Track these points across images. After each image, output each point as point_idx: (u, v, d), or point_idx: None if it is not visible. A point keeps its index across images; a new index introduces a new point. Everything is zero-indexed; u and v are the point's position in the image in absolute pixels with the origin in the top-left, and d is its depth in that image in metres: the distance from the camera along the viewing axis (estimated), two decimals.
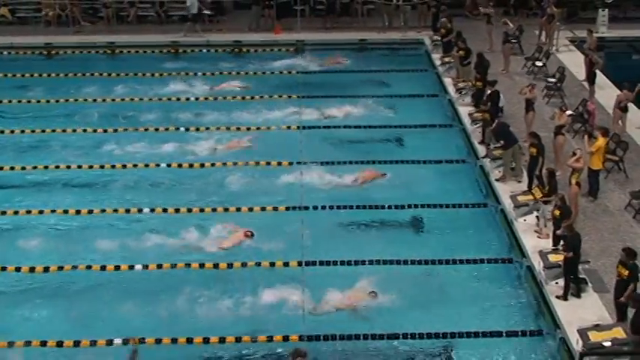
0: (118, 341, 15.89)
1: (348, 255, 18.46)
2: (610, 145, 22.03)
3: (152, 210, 20.56)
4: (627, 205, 19.81)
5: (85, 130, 24.98)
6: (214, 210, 20.55)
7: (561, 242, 17.07)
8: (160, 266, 18.32)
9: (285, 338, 15.90)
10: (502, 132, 21.31)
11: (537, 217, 19.14)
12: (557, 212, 17.52)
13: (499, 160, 21.68)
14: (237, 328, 16.29)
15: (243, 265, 18.36)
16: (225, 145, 24.02)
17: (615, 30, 32.99)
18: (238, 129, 24.96)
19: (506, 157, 21.18)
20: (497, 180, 21.08)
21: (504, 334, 16.05)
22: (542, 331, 16.16)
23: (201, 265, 18.36)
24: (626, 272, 15.23)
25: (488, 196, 21.22)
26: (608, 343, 14.39)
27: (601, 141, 19.79)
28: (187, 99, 27.47)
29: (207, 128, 25.05)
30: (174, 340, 15.99)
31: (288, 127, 25.13)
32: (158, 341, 15.93)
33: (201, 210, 20.55)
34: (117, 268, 18.29)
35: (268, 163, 22.76)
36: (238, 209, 20.54)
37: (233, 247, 18.98)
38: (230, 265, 18.33)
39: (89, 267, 18.28)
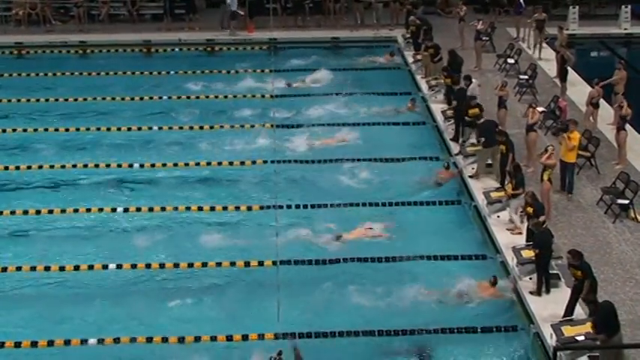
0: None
1: None
2: (582, 142, 22.21)
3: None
4: (599, 201, 19.96)
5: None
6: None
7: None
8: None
9: None
10: (487, 130, 21.35)
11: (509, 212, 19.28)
12: (529, 209, 17.63)
13: (472, 156, 21.80)
14: None
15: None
16: (321, 141, 23.98)
17: (586, 27, 33.28)
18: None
19: (482, 155, 21.26)
20: (470, 177, 21.17)
21: (479, 330, 16.11)
22: (516, 327, 16.22)
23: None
24: (579, 273, 15.36)
25: (462, 193, 21.29)
26: (581, 338, 14.45)
27: (577, 134, 19.90)
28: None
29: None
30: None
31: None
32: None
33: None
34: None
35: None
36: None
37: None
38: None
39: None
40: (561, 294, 16.43)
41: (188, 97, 27.34)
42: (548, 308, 16.02)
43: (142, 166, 22.74)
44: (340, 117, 25.77)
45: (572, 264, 15.46)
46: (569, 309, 15.50)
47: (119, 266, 18.24)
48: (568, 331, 14.72)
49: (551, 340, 14.83)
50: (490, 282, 16.91)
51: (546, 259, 16.47)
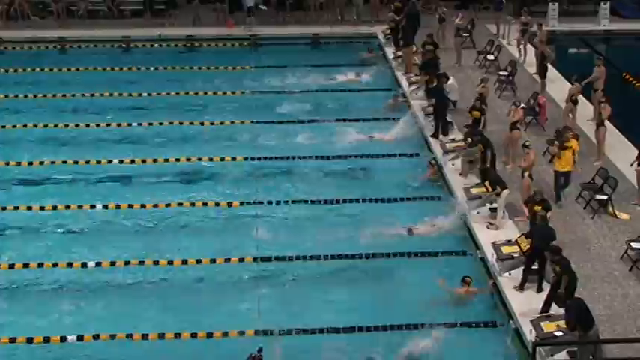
0: None
1: None
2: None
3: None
4: (578, 197, 20.06)
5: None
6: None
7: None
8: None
9: None
10: (473, 131, 21.49)
11: (491, 209, 19.33)
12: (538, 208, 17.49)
13: (452, 153, 21.86)
14: None
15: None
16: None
17: (565, 24, 33.45)
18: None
19: (466, 153, 21.31)
20: (460, 175, 21.20)
21: (458, 325, 16.16)
22: (495, 323, 16.29)
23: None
24: (558, 268, 15.46)
25: (442, 188, 21.34)
26: (559, 333, 14.56)
27: (574, 143, 19.53)
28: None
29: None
30: None
31: None
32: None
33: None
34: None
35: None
36: None
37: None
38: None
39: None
40: (542, 289, 16.54)
41: (168, 93, 27.19)
42: (528, 304, 16.09)
43: (121, 162, 22.62)
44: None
45: (551, 260, 15.56)
46: (547, 304, 15.59)
47: (98, 264, 18.16)
48: (547, 326, 14.83)
49: (530, 335, 14.91)
50: (466, 282, 16.91)
51: (536, 253, 16.55)
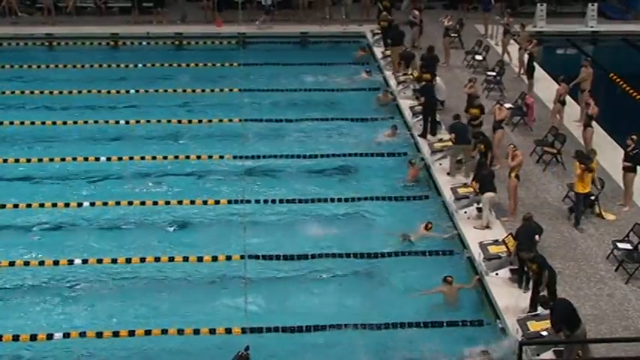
0: None
1: None
2: (548, 138, 22.43)
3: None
4: (565, 197, 20.12)
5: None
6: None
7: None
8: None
9: None
10: (459, 129, 21.48)
11: (478, 209, 19.37)
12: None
13: (439, 152, 21.89)
14: None
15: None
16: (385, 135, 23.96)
17: (553, 24, 33.56)
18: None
19: (453, 152, 21.35)
20: (448, 174, 21.22)
21: (445, 324, 16.19)
22: (482, 322, 16.33)
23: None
24: (534, 266, 15.51)
25: (430, 188, 21.37)
26: (546, 333, 14.59)
27: (578, 170, 18.75)
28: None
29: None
30: None
31: None
32: None
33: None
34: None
35: None
36: None
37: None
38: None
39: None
40: (528, 290, 16.57)
41: (156, 91, 27.12)
42: (515, 303, 16.13)
43: (108, 159, 22.57)
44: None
45: (527, 258, 15.62)
46: (533, 303, 15.64)
47: (84, 261, 18.07)
48: (534, 326, 14.86)
49: (517, 334, 14.95)
50: (447, 282, 16.93)
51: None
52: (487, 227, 18.68)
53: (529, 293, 16.05)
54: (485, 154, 20.13)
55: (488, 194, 18.72)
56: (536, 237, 16.65)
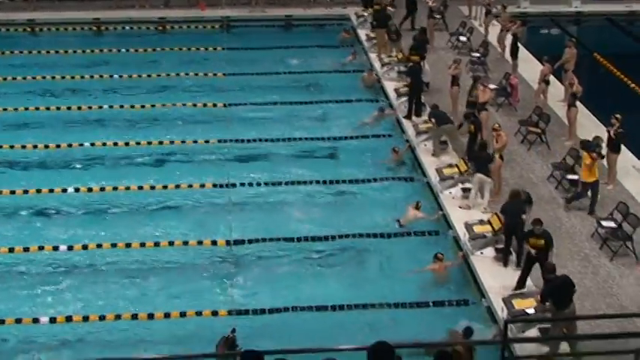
0: None
1: None
2: (532, 118, 22.49)
3: None
4: (550, 177, 20.21)
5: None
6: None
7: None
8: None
9: None
10: (435, 114, 21.58)
11: (463, 189, 19.43)
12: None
13: (425, 134, 21.93)
14: None
15: None
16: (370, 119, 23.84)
17: (537, 5, 33.56)
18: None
19: (436, 133, 21.39)
20: (433, 155, 21.29)
21: (431, 304, 16.28)
22: (467, 301, 16.41)
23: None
24: (542, 241, 15.60)
25: (415, 169, 21.42)
26: (531, 311, 14.69)
27: (588, 160, 18.55)
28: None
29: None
30: None
31: None
32: None
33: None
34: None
35: None
36: None
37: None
38: None
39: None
40: (513, 268, 16.67)
41: (139, 76, 27.02)
42: (500, 282, 16.24)
43: (92, 144, 22.49)
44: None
45: (535, 233, 15.66)
46: (522, 281, 15.72)
47: (70, 247, 18.07)
48: (519, 304, 14.95)
49: (502, 313, 15.04)
50: (438, 259, 17.00)
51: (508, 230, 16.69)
52: (470, 207, 18.72)
53: (514, 271, 16.16)
54: (475, 135, 20.17)
55: (480, 176, 18.74)
56: (523, 216, 16.72)
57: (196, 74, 27.20)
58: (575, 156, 20.00)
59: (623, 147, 19.85)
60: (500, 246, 17.04)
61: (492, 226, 17.33)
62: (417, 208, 18.89)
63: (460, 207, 18.94)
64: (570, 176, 19.75)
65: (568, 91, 22.75)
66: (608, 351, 11.77)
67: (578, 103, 21.91)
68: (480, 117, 21.34)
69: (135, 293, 16.81)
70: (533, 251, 15.70)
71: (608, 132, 19.71)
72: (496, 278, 16.44)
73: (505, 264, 16.79)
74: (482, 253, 17.19)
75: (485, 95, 21.82)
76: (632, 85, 26.53)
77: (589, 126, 22.42)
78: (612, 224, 17.76)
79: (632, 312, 15.57)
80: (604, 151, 19.45)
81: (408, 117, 23.35)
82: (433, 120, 21.43)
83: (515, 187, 18.93)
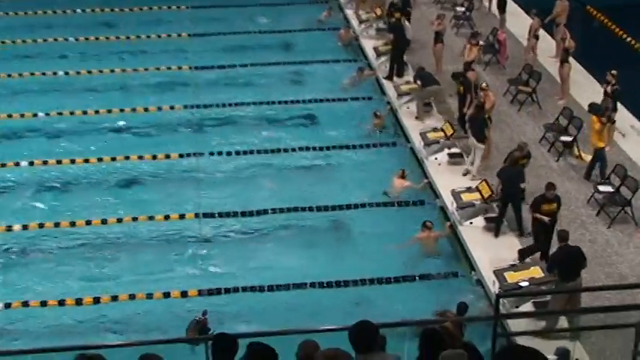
0: None
1: None
2: (522, 76, 22.34)
3: None
4: (542, 139, 20.09)
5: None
6: None
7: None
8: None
9: None
10: (421, 76, 21.40)
11: (449, 155, 19.29)
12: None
13: (407, 95, 21.75)
14: None
15: None
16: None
17: None
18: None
19: (421, 95, 21.20)
20: (416, 118, 21.12)
21: (417, 278, 16.19)
22: (457, 274, 16.33)
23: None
24: (554, 205, 15.57)
25: (397, 134, 21.26)
26: (525, 284, 14.58)
27: (597, 124, 18.33)
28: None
29: None
30: None
31: None
32: None
33: None
34: None
35: None
36: None
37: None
38: None
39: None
40: (505, 239, 16.59)
41: (97, 38, 26.58)
42: (491, 253, 16.14)
43: (47, 114, 22.09)
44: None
45: (548, 198, 15.55)
46: (545, 254, 15.57)
47: (25, 226, 17.79)
48: (511, 277, 14.81)
49: (493, 287, 14.94)
50: (427, 227, 16.89)
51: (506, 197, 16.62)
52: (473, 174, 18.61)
53: (506, 242, 16.08)
54: (464, 96, 20.00)
55: (472, 140, 18.59)
56: (522, 185, 16.65)
57: (159, 36, 26.88)
58: (569, 116, 19.88)
59: (620, 105, 19.73)
60: (491, 215, 16.93)
61: (482, 194, 17.21)
62: (403, 176, 18.74)
63: (465, 174, 18.63)
64: (564, 138, 19.63)
65: (560, 47, 22.60)
66: (608, 325, 11.71)
67: (570, 59, 21.77)
68: (468, 77, 21.18)
69: (95, 274, 16.54)
70: (546, 219, 15.60)
71: (604, 89, 19.59)
72: (487, 250, 16.33)
73: (497, 234, 16.69)
74: (471, 223, 17.07)
75: (472, 54, 21.63)
76: (628, 39, 26.44)
77: (583, 83, 22.33)
78: (609, 189, 17.69)
79: (633, 283, 15.50)
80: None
81: (390, 77, 23.16)
82: (419, 82, 21.23)
83: (506, 150, 18.83)
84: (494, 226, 16.82)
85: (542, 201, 15.74)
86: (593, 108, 18.76)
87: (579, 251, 14.36)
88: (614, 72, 19.51)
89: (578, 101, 21.43)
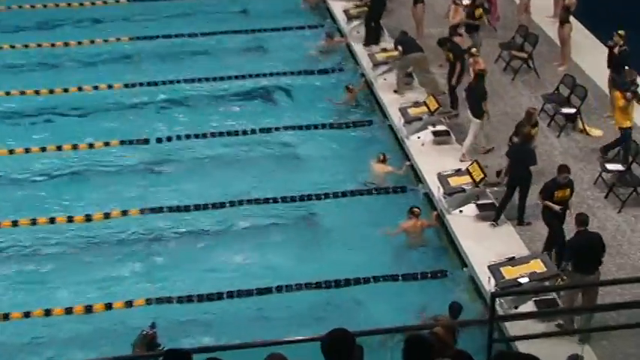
0: None
1: None
2: (516, 40, 22.39)
3: None
4: (540, 111, 20.12)
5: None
6: None
7: None
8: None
9: None
10: (403, 41, 21.38)
11: (434, 133, 19.33)
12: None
13: (384, 65, 21.75)
14: None
15: None
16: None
17: None
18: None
19: (401, 64, 21.22)
20: (395, 92, 21.15)
21: (400, 279, 16.19)
22: (445, 272, 16.35)
23: None
24: (568, 191, 15.66)
25: (373, 111, 21.26)
26: (525, 280, 14.59)
27: (621, 101, 18.10)
28: None
29: None
30: None
31: None
32: None
33: None
34: None
35: None
36: None
37: None
38: None
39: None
40: (501, 229, 16.63)
41: (20, 7, 26.47)
42: (485, 246, 16.18)
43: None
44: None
45: (560, 183, 15.61)
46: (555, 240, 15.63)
47: None
48: (509, 272, 14.82)
49: (488, 284, 14.96)
50: (414, 214, 16.90)
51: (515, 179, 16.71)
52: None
53: (504, 232, 16.12)
54: (454, 64, 19.99)
55: (468, 115, 18.66)
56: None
57: (93, 3, 26.75)
58: (571, 84, 19.94)
59: (627, 68, 19.81)
60: (484, 201, 16.99)
61: (472, 177, 17.23)
62: (384, 161, 18.69)
63: (462, 160, 18.63)
64: (565, 109, 19.70)
65: (559, 5, 22.71)
66: (621, 325, 11.71)
67: (571, 18, 21.83)
68: (455, 42, 21.20)
69: (26, 285, 16.45)
70: (557, 208, 15.63)
71: (611, 51, 19.64)
72: (480, 242, 16.36)
73: (496, 220, 16.77)
74: (461, 211, 17.10)
75: (457, 16, 21.67)
76: None
77: (586, 45, 22.45)
78: (619, 167, 17.77)
79: None
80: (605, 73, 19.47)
81: (367, 44, 23.16)
82: (400, 48, 21.20)
83: (499, 124, 18.90)
84: (495, 212, 16.83)
85: (555, 187, 15.73)
86: (616, 81, 18.80)
87: (600, 238, 14.40)
88: (621, 32, 19.57)
89: (581, 67, 21.51)
